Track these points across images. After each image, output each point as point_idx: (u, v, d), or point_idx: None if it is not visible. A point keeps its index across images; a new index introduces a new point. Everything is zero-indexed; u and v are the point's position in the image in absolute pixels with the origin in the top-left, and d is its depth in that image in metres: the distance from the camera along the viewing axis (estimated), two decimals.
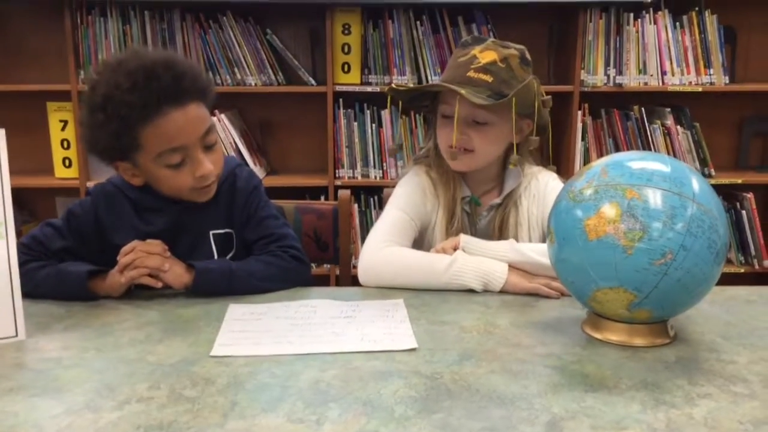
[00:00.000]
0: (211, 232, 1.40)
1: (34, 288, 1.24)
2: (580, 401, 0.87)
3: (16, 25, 3.01)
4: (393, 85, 1.46)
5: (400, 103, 1.50)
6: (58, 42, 2.88)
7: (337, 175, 2.96)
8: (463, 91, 1.35)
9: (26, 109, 2.93)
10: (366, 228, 3.01)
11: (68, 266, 1.29)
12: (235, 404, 0.86)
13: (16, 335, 1.06)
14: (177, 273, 1.27)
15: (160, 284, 1.26)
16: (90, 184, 2.84)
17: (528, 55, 1.45)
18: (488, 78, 1.39)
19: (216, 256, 1.39)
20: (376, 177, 2.97)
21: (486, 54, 1.40)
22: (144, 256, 1.25)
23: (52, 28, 2.92)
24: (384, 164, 2.97)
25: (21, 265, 1.24)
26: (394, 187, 1.57)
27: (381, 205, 2.98)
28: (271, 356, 1.00)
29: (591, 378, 0.94)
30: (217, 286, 1.28)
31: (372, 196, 3.01)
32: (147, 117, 1.23)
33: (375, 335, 1.08)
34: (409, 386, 0.91)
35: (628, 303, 1.00)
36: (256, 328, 1.11)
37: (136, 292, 1.29)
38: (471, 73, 1.39)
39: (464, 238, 1.35)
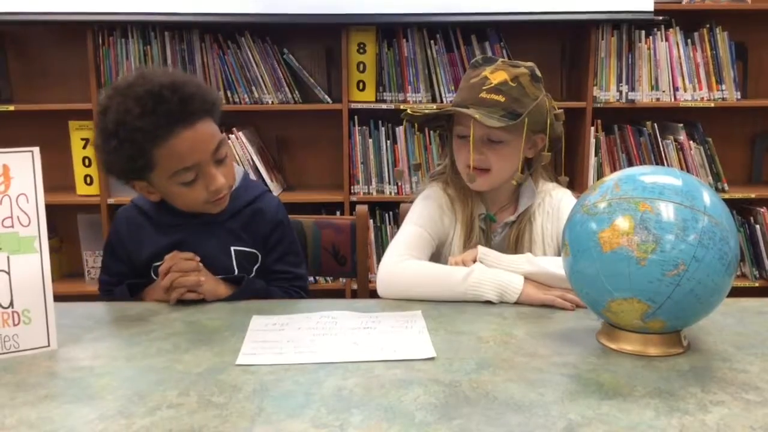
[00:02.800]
0: (232, 248, 1.45)
1: None
2: (596, 408, 0.89)
3: (39, 46, 3.09)
4: (408, 111, 1.50)
5: (415, 123, 1.54)
6: (81, 62, 2.94)
7: (352, 191, 3.00)
8: (477, 116, 1.38)
9: (49, 128, 2.99)
10: (380, 243, 3.04)
11: (116, 292, 1.42)
12: (262, 410, 0.89)
13: (49, 345, 1.10)
14: (211, 289, 1.34)
15: (201, 296, 1.33)
16: (111, 201, 2.92)
17: (538, 72, 1.48)
18: (500, 98, 1.42)
19: (236, 272, 1.44)
20: (390, 193, 3.01)
21: (497, 74, 1.44)
22: (181, 276, 1.30)
23: (74, 49, 2.99)
24: (398, 180, 3.00)
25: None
26: (410, 202, 1.61)
27: (396, 220, 3.02)
28: (294, 365, 1.03)
29: (606, 386, 0.96)
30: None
31: (387, 212, 3.04)
32: (159, 139, 1.28)
33: (394, 345, 1.11)
34: (429, 393, 0.94)
35: (642, 313, 1.02)
36: (278, 338, 1.14)
37: (161, 305, 1.34)
38: (483, 94, 1.43)
39: (482, 250, 1.38)
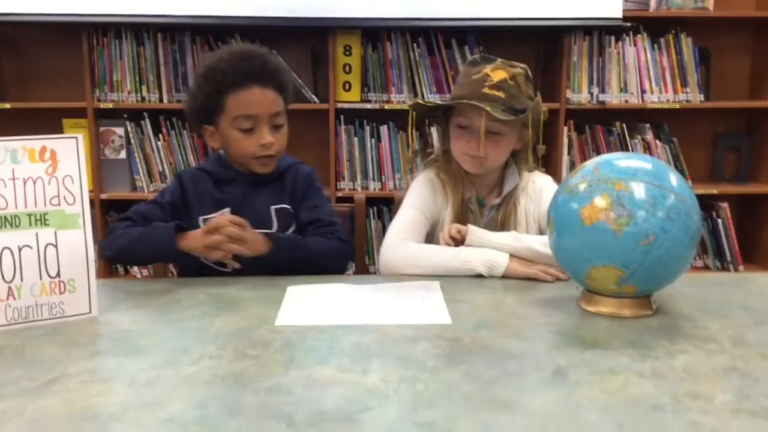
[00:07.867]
0: (272, 207, 1.64)
1: (129, 243, 1.50)
2: (580, 355, 1.04)
3: (35, 46, 3.18)
4: (418, 101, 1.65)
5: (414, 115, 1.69)
6: (75, 62, 3.04)
7: (338, 187, 3.13)
8: (488, 108, 1.54)
9: (43, 126, 3.02)
10: (366, 236, 3.17)
11: (157, 224, 1.53)
12: (293, 359, 1.03)
13: (90, 312, 1.22)
14: (255, 242, 1.48)
15: (237, 265, 1.48)
16: (104, 196, 3.00)
17: (530, 73, 1.65)
18: (501, 94, 1.58)
19: (275, 227, 1.62)
20: (375, 189, 3.15)
21: (497, 73, 1.59)
22: (228, 241, 1.44)
23: (69, 49, 3.09)
24: (383, 177, 3.15)
25: (124, 228, 1.53)
26: (401, 191, 1.76)
27: (380, 215, 3.17)
28: (316, 326, 1.17)
29: (587, 340, 1.11)
30: (286, 254, 1.52)
31: (371, 207, 3.18)
32: (233, 87, 1.56)
33: (413, 310, 1.27)
34: (436, 347, 1.08)
35: (617, 279, 1.18)
36: (312, 304, 1.31)
37: (184, 279, 1.46)
38: (486, 90, 1.58)
39: (471, 228, 1.53)
